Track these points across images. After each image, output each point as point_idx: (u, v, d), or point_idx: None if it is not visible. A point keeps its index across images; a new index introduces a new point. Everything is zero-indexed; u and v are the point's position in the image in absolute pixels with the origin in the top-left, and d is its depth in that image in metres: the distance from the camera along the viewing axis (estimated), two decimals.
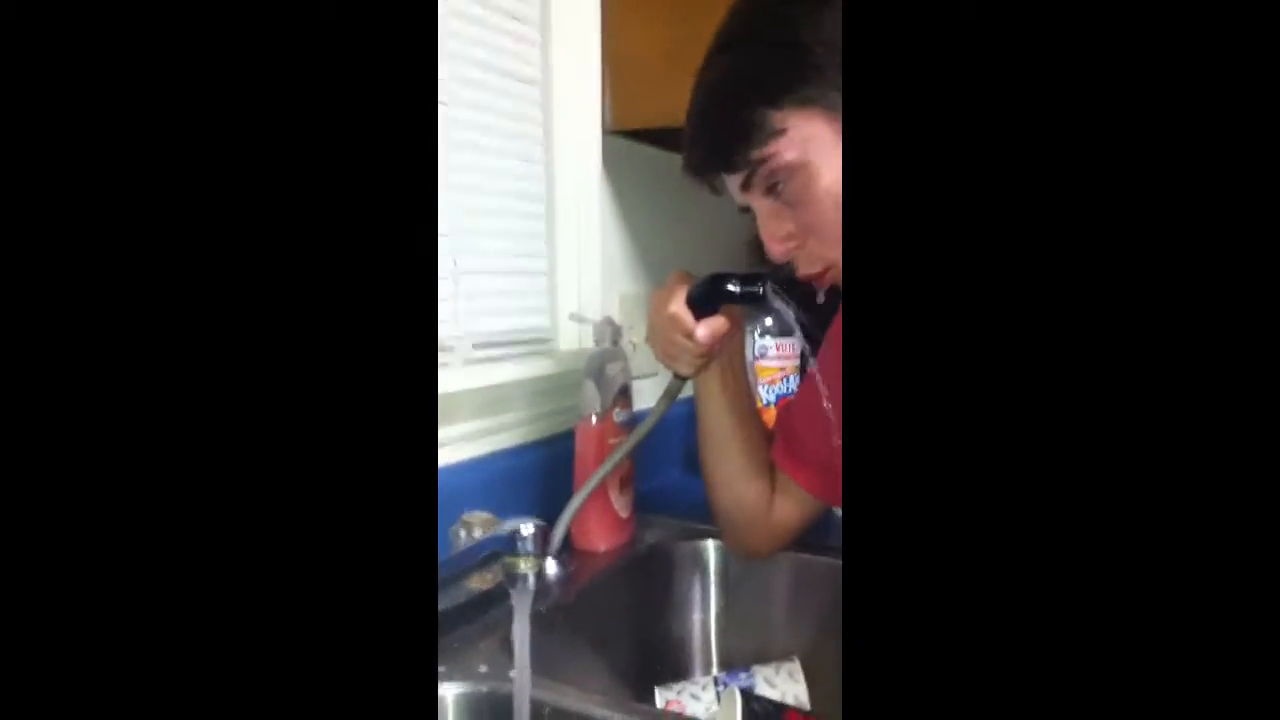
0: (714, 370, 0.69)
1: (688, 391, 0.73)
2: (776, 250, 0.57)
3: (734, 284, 0.62)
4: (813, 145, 0.52)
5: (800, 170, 0.53)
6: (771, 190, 0.55)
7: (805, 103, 0.51)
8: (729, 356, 0.70)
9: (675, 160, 1.15)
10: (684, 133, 0.60)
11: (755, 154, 0.53)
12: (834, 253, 0.55)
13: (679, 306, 0.64)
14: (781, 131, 0.52)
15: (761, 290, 0.62)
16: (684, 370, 0.68)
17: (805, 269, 0.57)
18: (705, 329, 0.63)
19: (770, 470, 0.74)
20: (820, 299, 0.63)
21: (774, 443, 0.74)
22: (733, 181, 0.57)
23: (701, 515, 0.91)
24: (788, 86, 0.52)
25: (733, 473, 0.73)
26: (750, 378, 1.04)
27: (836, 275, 0.57)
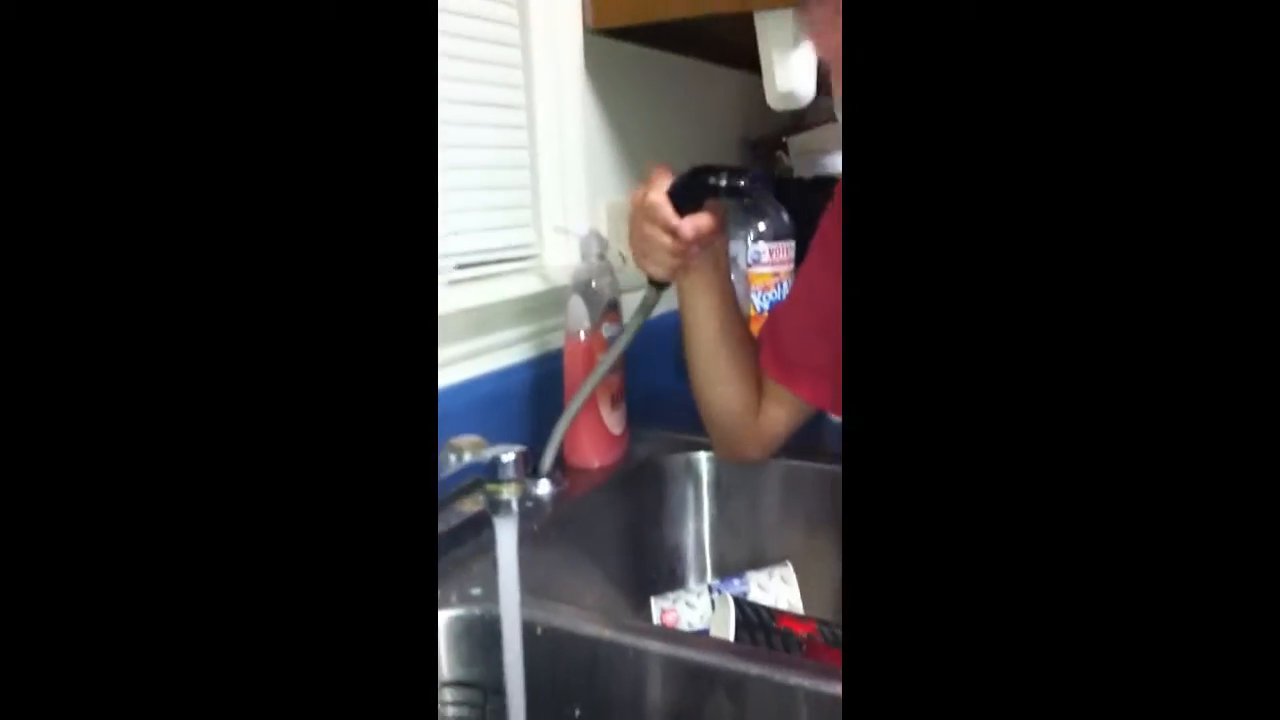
0: (699, 274, 0.67)
1: (670, 304, 0.72)
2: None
3: (718, 176, 0.58)
4: None
5: None
6: None
7: None
8: (714, 259, 0.68)
9: (662, 59, 1.10)
10: None
11: None
12: None
13: (659, 196, 0.61)
14: None
15: (746, 184, 0.58)
16: (658, 272, 0.64)
17: None
18: (690, 224, 0.60)
19: (758, 376, 0.73)
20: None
21: (762, 349, 0.73)
22: None
23: (694, 426, 0.91)
24: None
25: (720, 380, 0.72)
26: (743, 285, 1.02)
27: None
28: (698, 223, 0.60)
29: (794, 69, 0.84)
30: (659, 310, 0.70)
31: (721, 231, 0.64)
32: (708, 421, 0.75)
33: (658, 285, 0.66)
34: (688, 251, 0.62)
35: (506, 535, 0.50)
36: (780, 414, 0.73)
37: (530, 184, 0.86)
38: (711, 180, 0.59)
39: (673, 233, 0.61)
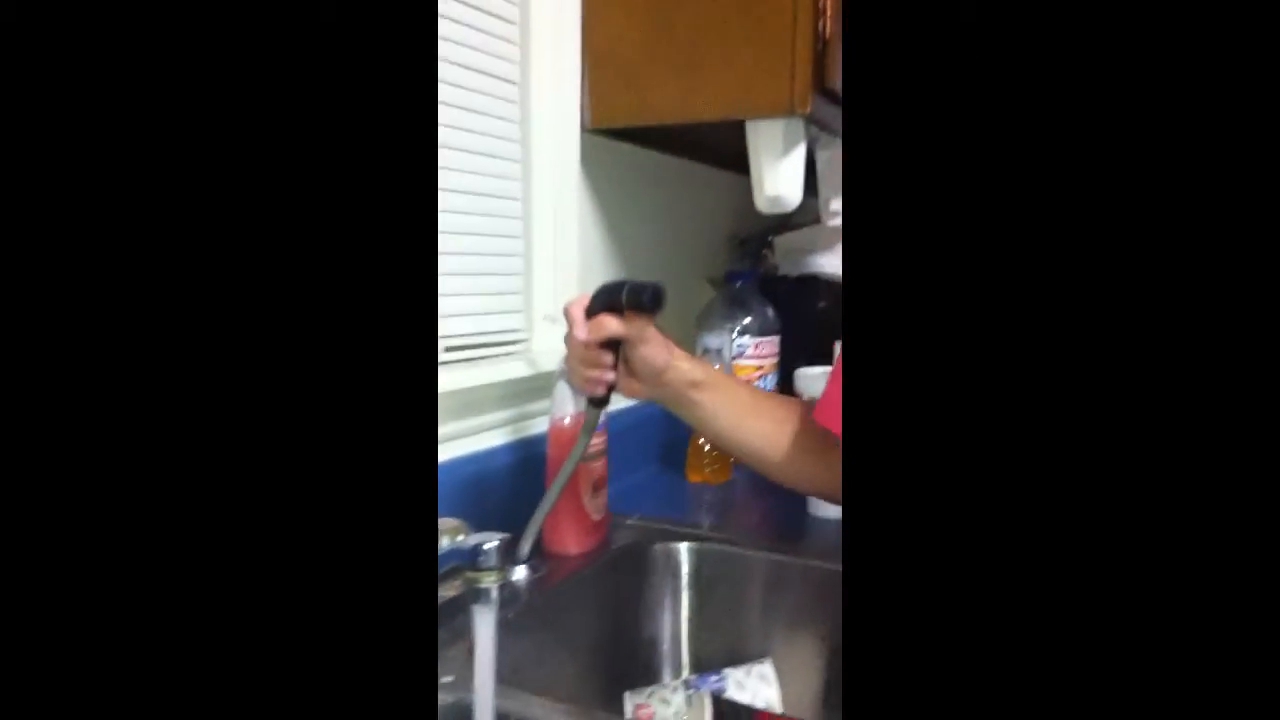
0: (685, 400, 0.67)
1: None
2: None
3: (625, 291, 0.59)
4: None
5: None
6: None
7: None
8: (687, 380, 0.66)
9: (655, 159, 1.15)
10: None
11: None
12: None
13: (573, 307, 0.61)
14: None
15: (646, 297, 0.58)
16: (578, 383, 0.64)
17: None
18: (584, 328, 0.60)
19: (817, 442, 0.70)
20: None
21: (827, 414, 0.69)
22: None
23: (675, 514, 0.91)
24: None
25: (780, 470, 0.70)
26: None
27: None
28: (600, 326, 0.59)
29: (783, 175, 0.88)
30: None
31: (631, 338, 0.62)
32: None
33: (594, 403, 0.65)
34: (598, 360, 0.61)
35: (485, 626, 0.49)
36: None
37: (524, 271, 0.89)
38: (620, 293, 0.59)
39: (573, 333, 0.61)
